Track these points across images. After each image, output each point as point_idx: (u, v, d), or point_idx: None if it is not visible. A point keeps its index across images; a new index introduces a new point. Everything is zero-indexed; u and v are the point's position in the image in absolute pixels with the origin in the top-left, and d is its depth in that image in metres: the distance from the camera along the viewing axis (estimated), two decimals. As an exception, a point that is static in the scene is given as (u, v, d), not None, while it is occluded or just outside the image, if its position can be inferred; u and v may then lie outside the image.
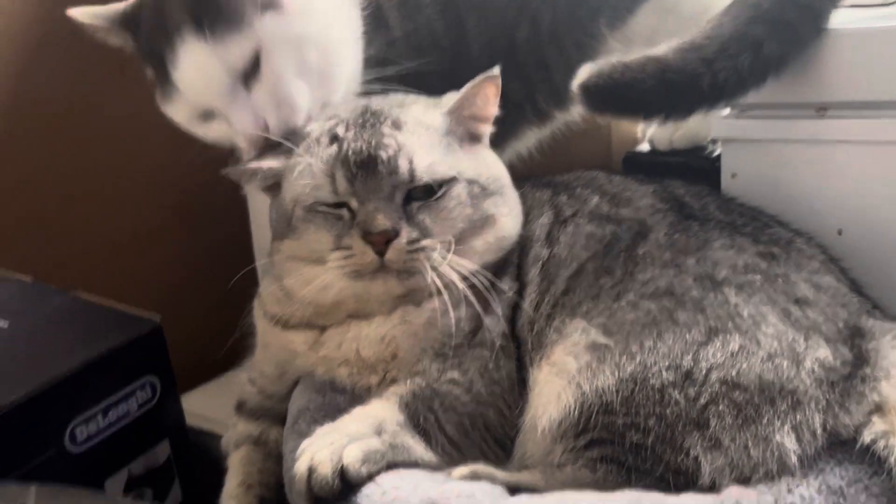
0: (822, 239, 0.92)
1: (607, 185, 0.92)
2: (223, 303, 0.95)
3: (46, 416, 0.90)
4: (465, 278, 0.81)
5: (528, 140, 1.13)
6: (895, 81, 0.90)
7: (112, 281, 1.24)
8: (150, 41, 0.90)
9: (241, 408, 0.97)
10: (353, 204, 0.80)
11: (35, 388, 0.89)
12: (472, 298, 0.80)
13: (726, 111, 1.03)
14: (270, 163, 0.85)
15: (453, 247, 0.80)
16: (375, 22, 0.96)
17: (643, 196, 0.90)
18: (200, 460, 1.09)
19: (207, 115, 0.91)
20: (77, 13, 0.93)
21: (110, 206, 1.34)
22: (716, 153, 1.12)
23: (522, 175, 1.06)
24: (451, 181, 0.82)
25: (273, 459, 0.91)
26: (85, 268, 1.26)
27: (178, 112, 0.92)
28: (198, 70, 0.86)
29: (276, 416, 0.93)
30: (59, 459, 0.91)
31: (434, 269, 0.79)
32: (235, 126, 0.88)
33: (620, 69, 0.85)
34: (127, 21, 0.92)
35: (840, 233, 0.96)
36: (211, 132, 0.93)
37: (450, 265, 0.79)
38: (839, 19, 0.92)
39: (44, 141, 1.26)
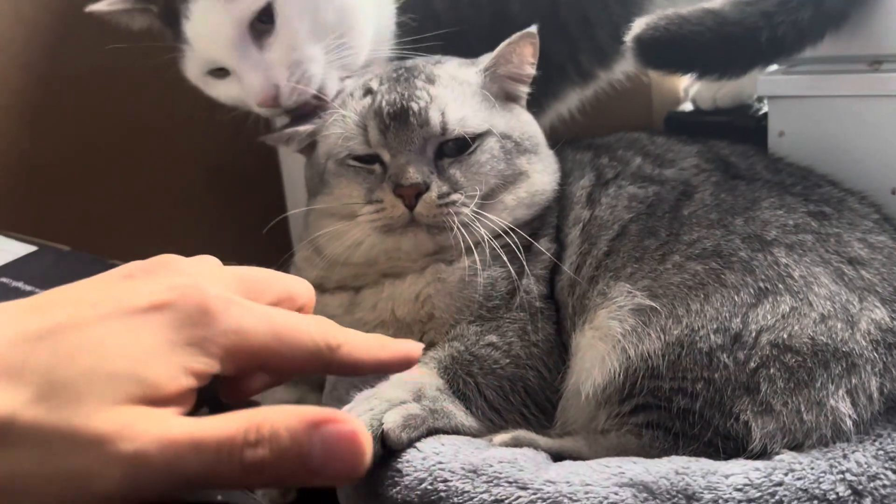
0: (875, 198, 0.89)
1: (650, 146, 0.90)
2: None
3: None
4: (498, 236, 0.79)
5: (571, 101, 1.10)
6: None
7: (147, 250, 1.24)
8: (164, 4, 0.89)
9: (279, 375, 0.97)
10: (385, 157, 0.79)
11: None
12: (506, 258, 0.79)
13: (773, 67, 0.99)
14: (306, 126, 0.85)
15: (479, 200, 0.79)
16: None
17: (687, 156, 0.87)
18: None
19: (220, 73, 0.90)
20: (96, 7, 0.92)
21: (145, 176, 1.34)
22: (762, 111, 1.09)
23: (564, 137, 1.03)
24: (483, 135, 0.81)
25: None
26: (121, 237, 1.27)
27: (191, 69, 0.91)
28: (207, 21, 0.85)
29: (314, 382, 0.92)
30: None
31: (465, 224, 0.77)
32: (245, 85, 0.86)
33: (678, 21, 0.82)
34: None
35: (894, 192, 0.93)
36: (223, 92, 0.91)
37: (480, 221, 0.78)
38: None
39: (78, 113, 1.26)
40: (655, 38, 0.82)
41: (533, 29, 0.83)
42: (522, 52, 0.83)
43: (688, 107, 1.21)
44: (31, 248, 1.13)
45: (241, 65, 0.85)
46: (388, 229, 0.79)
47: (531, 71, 0.85)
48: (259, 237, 0.96)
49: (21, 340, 0.43)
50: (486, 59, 0.84)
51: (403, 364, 0.54)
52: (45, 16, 1.22)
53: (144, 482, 0.41)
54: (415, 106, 0.78)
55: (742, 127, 1.11)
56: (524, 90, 0.87)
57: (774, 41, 0.83)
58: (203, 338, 0.45)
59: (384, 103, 0.79)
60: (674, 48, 0.83)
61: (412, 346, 0.54)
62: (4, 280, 1.05)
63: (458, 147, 0.80)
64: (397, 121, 0.78)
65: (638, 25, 0.82)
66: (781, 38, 0.83)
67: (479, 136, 0.80)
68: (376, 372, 0.56)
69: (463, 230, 0.77)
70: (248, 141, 1.08)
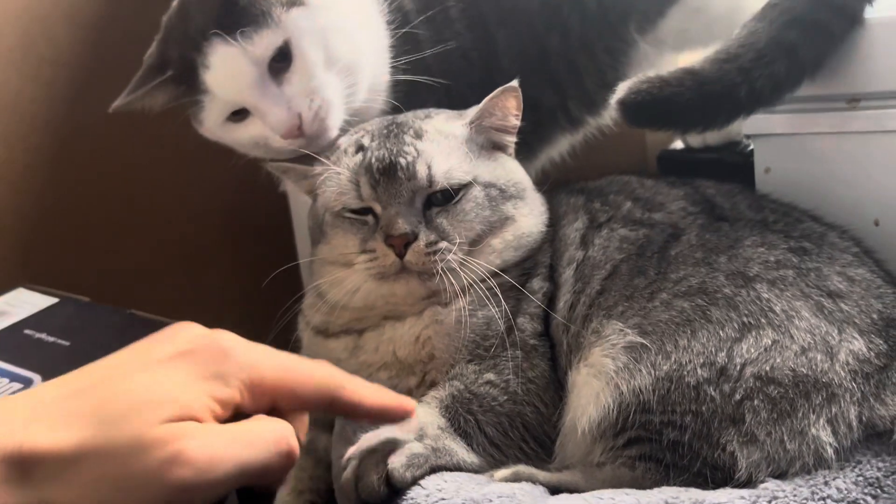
0: (859, 230, 0.92)
1: (640, 190, 0.94)
2: (271, 318, 0.99)
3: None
4: (493, 276, 0.83)
5: (562, 146, 1.14)
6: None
7: (164, 299, 1.29)
8: (181, 60, 0.93)
9: (292, 417, 1.00)
10: (377, 209, 0.84)
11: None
12: (500, 298, 0.82)
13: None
14: (304, 167, 0.90)
15: (467, 248, 0.83)
16: (404, 36, 0.99)
17: (675, 199, 0.91)
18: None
19: (239, 117, 0.94)
20: (118, 102, 0.97)
21: (161, 226, 1.39)
22: (749, 148, 1.12)
23: (561, 176, 1.07)
24: (468, 185, 0.85)
25: (323, 466, 0.94)
26: (138, 287, 1.31)
27: (211, 118, 0.95)
28: (227, 66, 0.89)
29: (325, 424, 0.96)
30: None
31: (451, 270, 0.82)
32: (269, 120, 0.90)
33: (658, 84, 0.86)
34: (156, 68, 0.95)
35: (877, 223, 0.96)
36: (244, 134, 0.95)
37: (467, 266, 0.82)
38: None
39: (95, 168, 1.31)
40: (637, 102, 0.86)
41: (515, 83, 0.87)
42: (505, 104, 0.88)
43: (679, 145, 1.25)
44: (53, 301, 1.18)
45: (264, 102, 0.90)
46: (381, 276, 0.84)
47: (515, 122, 0.89)
48: (271, 282, 1.00)
49: (69, 395, 0.52)
50: (472, 111, 0.89)
51: (400, 414, 0.61)
52: (63, 72, 1.28)
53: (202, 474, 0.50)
54: (402, 161, 0.83)
55: (732, 164, 1.15)
56: (510, 139, 0.91)
57: (753, 94, 0.86)
58: (223, 372, 0.54)
59: (374, 159, 0.84)
60: (656, 109, 0.87)
61: (408, 401, 0.61)
62: (28, 332, 1.09)
63: (445, 197, 0.84)
64: (387, 175, 0.83)
65: (621, 89, 0.86)
66: (760, 90, 0.86)
67: (463, 187, 0.85)
68: (376, 416, 0.61)
69: (450, 275, 0.81)
70: (261, 190, 1.13)
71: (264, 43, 0.88)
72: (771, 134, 1.02)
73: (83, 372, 0.55)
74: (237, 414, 0.55)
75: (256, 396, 0.54)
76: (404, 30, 0.99)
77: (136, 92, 0.95)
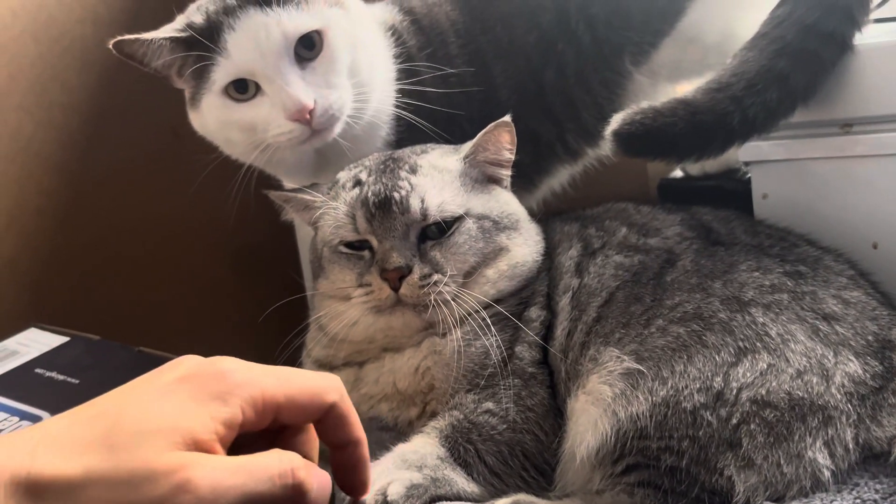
0: (857, 253, 0.92)
1: (635, 216, 0.95)
2: (279, 351, 1.00)
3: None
4: (488, 307, 0.84)
5: (562, 176, 1.16)
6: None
7: (172, 335, 1.30)
8: (207, 21, 0.92)
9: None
10: (374, 242, 0.85)
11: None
12: (496, 328, 0.83)
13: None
14: (304, 196, 0.91)
15: (461, 280, 0.85)
16: (407, 71, 1.01)
17: (671, 225, 0.92)
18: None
19: (244, 94, 0.93)
20: (125, 37, 0.93)
21: (170, 262, 1.41)
22: (748, 175, 1.13)
23: (562, 205, 1.08)
24: (461, 218, 0.86)
25: (328, 499, 0.95)
26: (147, 324, 1.33)
27: (214, 89, 0.93)
28: (255, 31, 0.90)
29: (324, 454, 0.96)
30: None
31: (446, 302, 0.83)
32: (282, 96, 0.90)
33: (651, 115, 0.88)
34: (180, 28, 0.94)
35: (875, 246, 0.97)
36: (243, 115, 0.93)
37: (461, 297, 0.83)
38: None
39: (105, 207, 1.34)
40: (631, 133, 0.87)
41: (507, 118, 0.88)
42: (499, 139, 0.89)
43: (679, 173, 1.27)
44: (64, 339, 1.20)
45: (283, 76, 0.90)
46: (378, 310, 0.85)
47: (509, 156, 0.91)
48: (279, 314, 1.02)
49: (76, 424, 0.54)
50: (467, 146, 0.90)
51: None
52: (75, 117, 1.31)
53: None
54: (397, 195, 0.84)
55: (731, 191, 1.15)
56: (505, 173, 0.92)
57: (746, 122, 0.88)
58: (223, 392, 0.55)
59: (370, 193, 0.86)
60: (649, 140, 0.88)
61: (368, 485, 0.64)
62: (39, 371, 1.11)
63: (439, 230, 0.86)
64: (382, 209, 0.84)
65: (615, 121, 0.88)
66: (753, 118, 0.88)
67: (457, 220, 0.86)
68: (354, 446, 0.62)
69: (445, 307, 0.83)
70: (267, 222, 1.14)
71: (298, 22, 0.90)
72: (767, 160, 1.03)
73: (90, 403, 0.56)
74: (249, 441, 0.56)
75: (259, 412, 0.56)
76: (408, 65, 1.01)
77: (152, 35, 0.94)
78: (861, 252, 0.94)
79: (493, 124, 0.88)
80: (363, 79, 0.95)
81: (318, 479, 0.56)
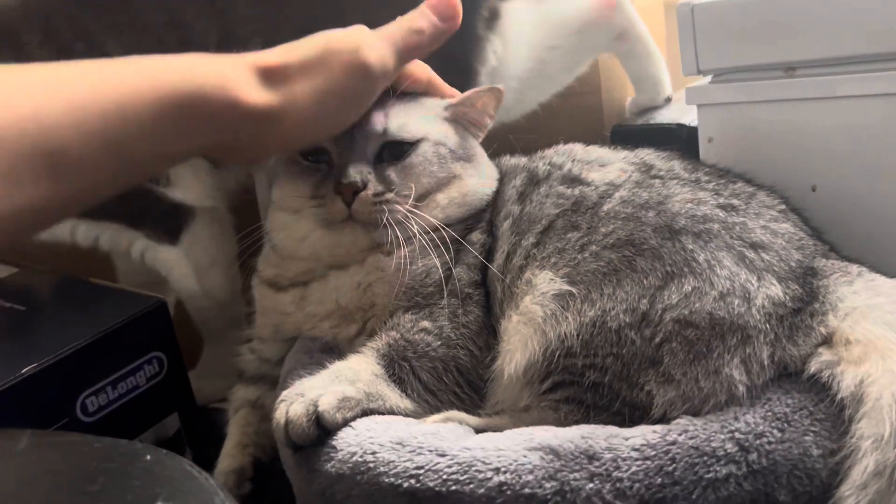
0: (797, 196, 0.94)
1: (581, 154, 0.96)
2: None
3: (58, 387, 0.96)
4: (431, 231, 0.86)
5: None
6: (858, 36, 0.92)
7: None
8: None
9: (241, 376, 1.02)
10: (332, 153, 0.86)
11: (46, 360, 0.94)
12: (440, 250, 0.85)
13: (702, 79, 1.06)
14: None
15: (413, 202, 0.86)
16: None
17: (614, 161, 0.93)
18: (211, 435, 1.14)
19: None
20: None
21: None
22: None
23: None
24: (420, 141, 0.88)
25: (269, 422, 0.96)
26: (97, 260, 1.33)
27: None
28: None
29: (272, 381, 0.98)
30: (71, 429, 0.97)
31: (397, 222, 0.83)
32: None
33: None
34: None
35: (814, 189, 0.99)
36: None
37: (411, 219, 0.84)
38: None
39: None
40: None
41: (501, 86, 0.92)
42: (487, 103, 0.92)
43: (634, 120, 1.28)
44: (13, 270, 1.20)
45: None
46: (328, 224, 0.86)
47: (489, 122, 0.94)
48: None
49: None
50: (454, 98, 0.93)
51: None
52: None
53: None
54: None
55: (683, 138, 1.17)
56: (478, 134, 0.95)
57: None
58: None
59: None
60: None
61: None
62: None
63: (397, 151, 0.87)
64: None
65: None
66: None
67: (417, 142, 0.88)
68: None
69: (396, 227, 0.84)
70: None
71: None
72: (713, 104, 1.04)
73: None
74: None
75: None
76: None
77: None
78: (800, 195, 0.95)
79: (487, 87, 0.91)
80: None
81: None
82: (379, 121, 0.86)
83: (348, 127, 0.84)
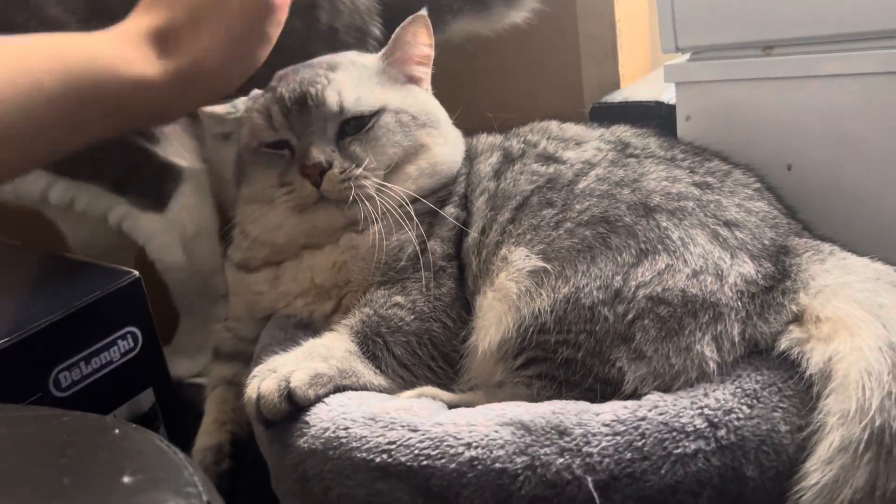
0: (773, 175, 0.94)
1: (557, 132, 0.96)
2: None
3: (31, 362, 0.95)
4: (404, 204, 0.85)
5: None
6: (835, 15, 0.92)
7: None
8: None
9: (217, 353, 1.02)
10: (293, 140, 0.85)
11: (18, 335, 0.93)
12: (413, 224, 0.85)
13: (681, 56, 1.06)
14: (220, 108, 0.93)
15: (382, 175, 0.86)
16: None
17: (590, 139, 0.93)
18: (187, 410, 1.14)
19: None
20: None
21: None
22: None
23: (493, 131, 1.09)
24: (379, 112, 0.87)
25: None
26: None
27: None
28: None
29: (248, 358, 0.97)
30: (44, 404, 0.96)
31: (368, 197, 0.83)
32: None
33: None
34: None
35: (789, 168, 0.99)
36: None
37: (383, 192, 0.84)
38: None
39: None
40: None
41: (423, 12, 0.89)
42: (416, 33, 0.90)
43: (614, 98, 1.28)
44: (-17, 243, 1.18)
45: None
46: (301, 209, 0.86)
47: (427, 51, 0.92)
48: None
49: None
50: (386, 47, 0.91)
51: None
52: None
53: None
54: (312, 90, 0.85)
55: (661, 116, 1.17)
56: (424, 70, 0.93)
57: None
58: None
59: (285, 91, 0.86)
60: None
61: None
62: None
63: (358, 125, 0.86)
64: (298, 104, 0.85)
65: None
66: None
67: (375, 114, 0.87)
68: None
69: (367, 202, 0.83)
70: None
71: None
72: (691, 81, 1.04)
73: None
74: None
75: None
76: None
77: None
78: (776, 174, 0.96)
79: (409, 18, 0.89)
80: None
81: None
82: (333, 99, 0.85)
83: (299, 103, 0.84)
